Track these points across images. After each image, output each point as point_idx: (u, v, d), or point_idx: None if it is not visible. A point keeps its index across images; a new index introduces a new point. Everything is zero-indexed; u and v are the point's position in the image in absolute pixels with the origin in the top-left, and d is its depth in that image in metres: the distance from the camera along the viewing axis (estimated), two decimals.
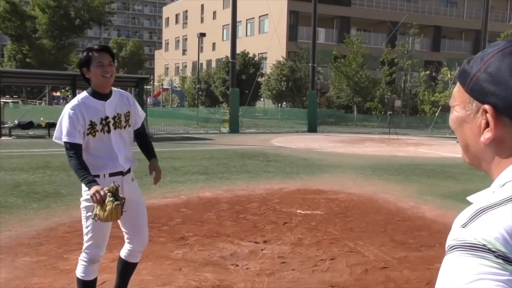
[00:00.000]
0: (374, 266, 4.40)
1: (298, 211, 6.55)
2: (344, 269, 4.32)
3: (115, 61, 3.06)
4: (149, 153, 3.32)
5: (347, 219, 6.16)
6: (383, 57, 31.77)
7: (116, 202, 2.67)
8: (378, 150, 15.74)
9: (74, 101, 2.94)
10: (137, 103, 3.26)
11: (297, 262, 4.47)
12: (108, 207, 2.67)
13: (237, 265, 4.34)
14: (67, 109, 2.91)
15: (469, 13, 48.26)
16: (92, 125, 2.92)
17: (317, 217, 6.24)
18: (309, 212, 6.51)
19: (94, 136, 2.93)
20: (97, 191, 2.66)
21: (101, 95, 2.99)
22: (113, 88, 3.09)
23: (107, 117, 2.98)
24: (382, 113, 29.75)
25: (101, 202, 2.66)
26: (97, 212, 2.71)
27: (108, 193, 2.67)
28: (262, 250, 4.81)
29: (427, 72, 31.92)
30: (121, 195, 2.75)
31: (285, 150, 15.07)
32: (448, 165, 11.81)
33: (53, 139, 2.95)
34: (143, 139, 3.32)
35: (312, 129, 24.20)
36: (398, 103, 33.46)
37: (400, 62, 32.32)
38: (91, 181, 2.74)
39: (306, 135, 22.47)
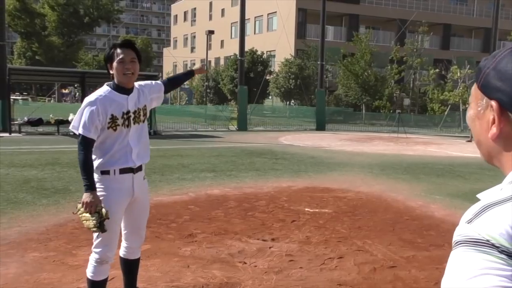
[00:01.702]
0: (382, 265, 4.39)
1: (306, 209, 6.54)
2: (352, 268, 4.31)
3: (140, 57, 3.03)
4: (184, 73, 3.62)
5: (355, 218, 6.14)
6: (392, 55, 31.62)
7: (95, 225, 2.85)
8: (387, 149, 15.68)
9: (97, 94, 2.93)
10: (147, 82, 3.27)
11: (305, 260, 4.47)
12: (86, 222, 2.89)
13: (245, 263, 4.35)
14: (89, 101, 2.90)
15: (478, 11, 47.89)
16: (113, 119, 2.92)
17: (325, 215, 6.23)
18: (317, 210, 6.50)
19: (115, 130, 2.93)
20: (92, 203, 2.83)
21: (124, 90, 3.00)
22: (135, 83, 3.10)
23: (128, 111, 2.99)
24: (391, 111, 29.61)
25: (87, 211, 2.85)
26: (81, 210, 2.90)
27: (96, 213, 2.84)
28: (270, 248, 4.81)
29: (437, 70, 31.72)
30: (104, 223, 2.88)
31: (293, 148, 15.06)
32: (457, 164, 11.74)
33: (70, 127, 2.97)
34: (173, 80, 3.55)
35: (320, 127, 24.16)
36: (407, 101, 33.28)
37: (409, 60, 32.15)
38: (90, 186, 2.86)
39: (314, 133, 22.43)
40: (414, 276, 4.16)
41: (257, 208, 6.51)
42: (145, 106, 3.12)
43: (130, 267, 3.35)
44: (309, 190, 7.94)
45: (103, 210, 2.86)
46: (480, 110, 0.85)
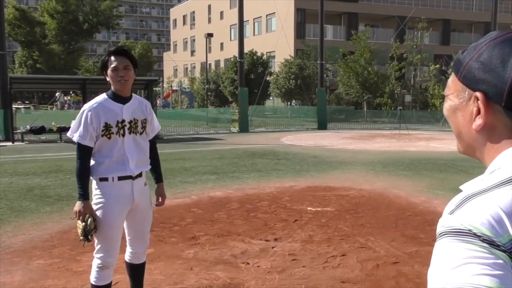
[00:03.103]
0: (385, 262, 4.40)
1: (309, 208, 6.55)
2: (355, 265, 4.32)
3: (135, 64, 3.01)
4: (156, 174, 3.37)
5: (358, 215, 6.16)
6: (392, 52, 31.59)
7: (81, 234, 2.98)
8: (389, 146, 15.67)
9: (92, 102, 2.99)
10: (154, 115, 3.27)
11: (308, 259, 4.49)
12: (78, 229, 3.04)
13: (248, 263, 4.37)
14: (84, 109, 2.97)
15: (478, 5, 47.83)
16: (107, 127, 2.94)
17: (327, 214, 6.25)
18: (319, 209, 6.52)
19: (109, 138, 2.96)
20: (81, 213, 2.94)
21: (121, 98, 3.02)
22: (134, 94, 3.12)
23: (123, 120, 3.00)
24: (392, 108, 29.58)
25: (77, 218, 2.98)
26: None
27: (84, 222, 2.95)
28: (272, 247, 4.83)
29: (437, 66, 31.67)
30: (90, 227, 2.97)
31: (295, 148, 15.07)
32: (459, 159, 11.72)
33: (68, 134, 3.03)
34: (152, 153, 3.26)
35: (322, 126, 24.17)
36: (408, 98, 33.22)
37: (409, 56, 32.11)
38: (83, 195, 2.96)
39: (316, 132, 22.43)
40: (417, 271, 4.17)
41: (259, 209, 6.53)
42: (145, 119, 3.13)
43: (136, 271, 3.38)
44: (311, 189, 7.95)
45: (90, 220, 2.94)
46: (462, 102, 0.85)
